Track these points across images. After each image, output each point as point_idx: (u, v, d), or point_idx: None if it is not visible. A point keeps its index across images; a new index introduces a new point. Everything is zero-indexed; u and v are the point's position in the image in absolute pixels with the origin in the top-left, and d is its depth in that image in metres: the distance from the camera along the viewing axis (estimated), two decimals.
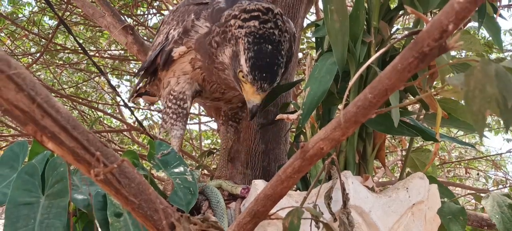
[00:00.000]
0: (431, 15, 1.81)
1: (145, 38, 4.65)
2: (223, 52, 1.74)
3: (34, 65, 5.06)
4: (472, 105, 0.74)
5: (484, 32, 4.57)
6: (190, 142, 6.09)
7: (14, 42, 5.20)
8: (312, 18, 4.95)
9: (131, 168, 1.00)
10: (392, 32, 1.86)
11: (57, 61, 5.50)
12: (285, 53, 1.72)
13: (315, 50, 2.08)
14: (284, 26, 1.72)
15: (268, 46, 1.66)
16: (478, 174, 6.53)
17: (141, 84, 2.25)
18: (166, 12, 5.00)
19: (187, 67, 1.87)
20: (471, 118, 0.75)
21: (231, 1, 1.78)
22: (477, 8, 1.65)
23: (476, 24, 1.84)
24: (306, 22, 2.72)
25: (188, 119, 1.98)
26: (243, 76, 1.68)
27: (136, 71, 2.26)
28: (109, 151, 0.97)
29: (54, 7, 4.19)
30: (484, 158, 6.42)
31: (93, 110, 5.70)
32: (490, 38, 4.01)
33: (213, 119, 4.82)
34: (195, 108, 5.58)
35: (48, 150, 0.93)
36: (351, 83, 1.03)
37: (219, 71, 1.78)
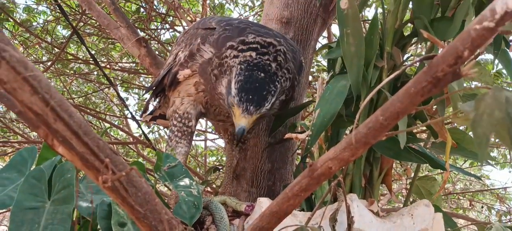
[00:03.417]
0: (445, 43, 1.82)
1: (157, 52, 4.68)
2: (221, 84, 1.75)
3: (45, 73, 5.09)
4: (477, 129, 0.74)
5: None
6: (195, 158, 6.09)
7: (27, 49, 5.24)
8: (324, 41, 4.96)
9: (139, 177, 1.01)
10: (404, 58, 1.87)
11: (68, 71, 5.53)
12: (281, 86, 1.71)
13: (325, 73, 2.08)
14: (285, 64, 1.73)
15: (261, 73, 1.66)
16: (482, 207, 6.48)
17: (155, 104, 2.29)
18: (179, 28, 5.04)
19: (191, 90, 1.91)
20: (475, 141, 0.75)
21: (239, 30, 1.79)
22: (493, 39, 1.66)
23: (486, 56, 1.85)
24: (317, 45, 2.73)
25: (194, 135, 2.01)
26: (231, 101, 1.67)
27: (146, 87, 2.30)
28: (118, 159, 0.97)
29: (69, 17, 4.23)
30: (489, 191, 6.38)
31: (100, 121, 5.72)
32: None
33: (219, 135, 4.84)
34: (201, 125, 5.59)
35: (58, 154, 0.93)
36: (362, 106, 1.03)
37: (220, 100, 1.80)
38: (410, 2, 1.81)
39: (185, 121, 1.93)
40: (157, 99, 2.21)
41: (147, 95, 2.31)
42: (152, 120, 2.50)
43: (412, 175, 2.02)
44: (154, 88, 2.11)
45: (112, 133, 6.30)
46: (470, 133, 1.85)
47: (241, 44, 1.72)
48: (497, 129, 0.74)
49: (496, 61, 1.76)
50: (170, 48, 4.57)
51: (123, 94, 5.90)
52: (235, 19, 1.96)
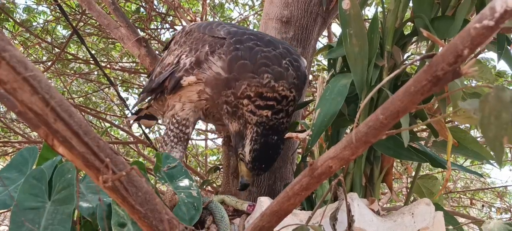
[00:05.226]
0: (445, 42, 1.82)
1: (157, 51, 4.69)
2: (230, 122, 1.85)
3: (45, 73, 5.09)
4: (488, 132, 0.74)
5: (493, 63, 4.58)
6: (196, 158, 6.09)
7: (27, 49, 5.24)
8: (324, 40, 4.96)
9: (139, 177, 1.00)
10: (404, 57, 1.87)
11: (68, 71, 5.54)
12: None
13: (326, 72, 2.08)
14: (294, 104, 1.82)
15: (274, 137, 1.79)
16: (483, 205, 6.48)
17: (143, 104, 2.27)
18: (179, 27, 5.04)
19: (193, 96, 1.89)
20: (488, 145, 0.74)
21: (250, 53, 1.76)
22: (495, 39, 1.66)
23: (486, 55, 1.85)
24: (318, 44, 2.73)
25: (195, 134, 2.03)
26: (242, 159, 1.84)
27: (144, 87, 2.25)
28: (118, 159, 0.97)
29: (69, 17, 4.23)
30: (490, 189, 6.37)
31: (101, 120, 5.72)
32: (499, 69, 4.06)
33: (219, 135, 4.84)
34: (204, 123, 5.59)
35: (58, 154, 0.93)
36: (362, 105, 1.03)
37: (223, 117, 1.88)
38: (410, 1, 1.81)
39: (183, 127, 1.93)
40: (151, 97, 2.18)
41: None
42: (136, 120, 2.53)
43: (413, 173, 2.02)
44: (154, 89, 2.05)
45: (112, 133, 6.30)
46: (471, 132, 1.85)
47: (259, 98, 1.75)
48: (508, 131, 0.74)
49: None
50: None
51: (123, 94, 5.91)
52: (242, 29, 1.90)
